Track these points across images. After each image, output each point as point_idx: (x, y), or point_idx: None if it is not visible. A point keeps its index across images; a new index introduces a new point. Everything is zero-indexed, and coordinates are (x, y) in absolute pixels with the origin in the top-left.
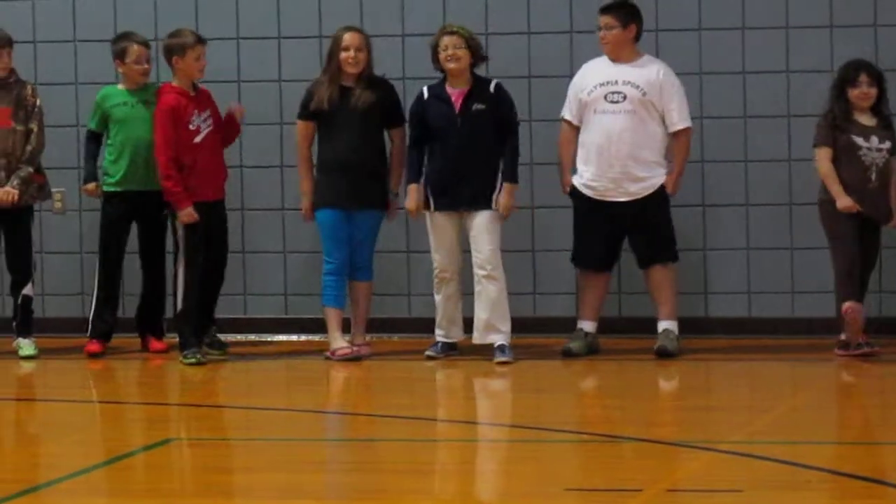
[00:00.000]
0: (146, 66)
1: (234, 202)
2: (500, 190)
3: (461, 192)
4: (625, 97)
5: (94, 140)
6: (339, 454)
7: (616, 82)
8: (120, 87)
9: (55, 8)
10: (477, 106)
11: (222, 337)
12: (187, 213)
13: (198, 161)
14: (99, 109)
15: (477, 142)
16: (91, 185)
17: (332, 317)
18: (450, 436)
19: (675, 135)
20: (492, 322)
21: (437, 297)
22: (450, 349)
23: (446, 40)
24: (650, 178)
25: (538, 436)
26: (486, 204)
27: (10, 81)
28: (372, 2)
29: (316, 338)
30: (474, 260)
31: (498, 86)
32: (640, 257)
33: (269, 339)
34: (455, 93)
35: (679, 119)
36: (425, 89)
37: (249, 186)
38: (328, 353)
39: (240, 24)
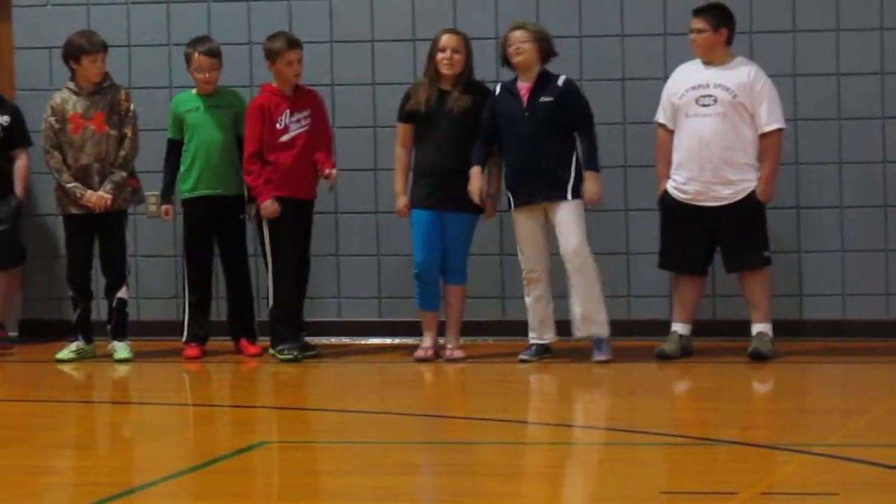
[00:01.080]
0: (207, 75)
1: (328, 205)
2: (573, 181)
3: (535, 185)
4: (715, 100)
5: (174, 149)
6: (432, 457)
7: (707, 85)
8: (193, 92)
9: (150, 13)
10: (544, 99)
11: (315, 340)
12: (267, 206)
13: (282, 159)
14: (173, 116)
15: (545, 135)
16: (165, 208)
17: (424, 319)
18: (544, 439)
19: (765, 137)
20: (587, 314)
21: (528, 299)
22: (544, 351)
23: (513, 35)
24: (742, 181)
25: (632, 439)
26: (562, 195)
27: (105, 86)
28: (466, 4)
29: (409, 340)
30: (562, 254)
31: (567, 80)
32: (728, 262)
33: (362, 342)
34: (524, 87)
35: (768, 121)
36: (498, 86)
37: (343, 189)
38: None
39: (333, 27)
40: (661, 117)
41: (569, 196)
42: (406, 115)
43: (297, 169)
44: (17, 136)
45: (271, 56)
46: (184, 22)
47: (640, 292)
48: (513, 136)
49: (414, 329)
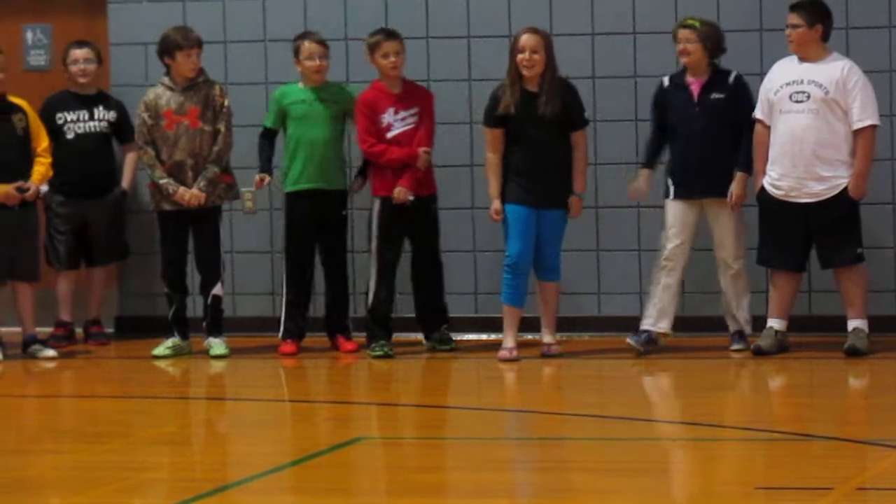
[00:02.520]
0: (319, 63)
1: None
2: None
3: (698, 180)
4: (809, 96)
5: (268, 138)
6: (528, 453)
7: (801, 81)
8: (300, 85)
9: (246, 8)
10: (715, 96)
11: (414, 336)
12: (399, 192)
13: (389, 157)
14: (276, 106)
15: (714, 131)
16: (261, 176)
17: (507, 315)
18: (638, 434)
19: (857, 133)
20: (741, 316)
21: (655, 287)
22: (651, 342)
23: (680, 33)
24: (834, 177)
25: (728, 434)
26: (722, 192)
27: (199, 82)
28: (562, 1)
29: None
30: (718, 253)
31: (737, 77)
32: (823, 258)
33: (460, 338)
34: (694, 82)
35: (861, 117)
36: (665, 79)
37: (440, 185)
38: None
39: (430, 23)
40: (758, 113)
41: (727, 195)
42: (495, 120)
43: (402, 168)
44: (125, 131)
45: (370, 49)
46: (280, 17)
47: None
48: (682, 131)
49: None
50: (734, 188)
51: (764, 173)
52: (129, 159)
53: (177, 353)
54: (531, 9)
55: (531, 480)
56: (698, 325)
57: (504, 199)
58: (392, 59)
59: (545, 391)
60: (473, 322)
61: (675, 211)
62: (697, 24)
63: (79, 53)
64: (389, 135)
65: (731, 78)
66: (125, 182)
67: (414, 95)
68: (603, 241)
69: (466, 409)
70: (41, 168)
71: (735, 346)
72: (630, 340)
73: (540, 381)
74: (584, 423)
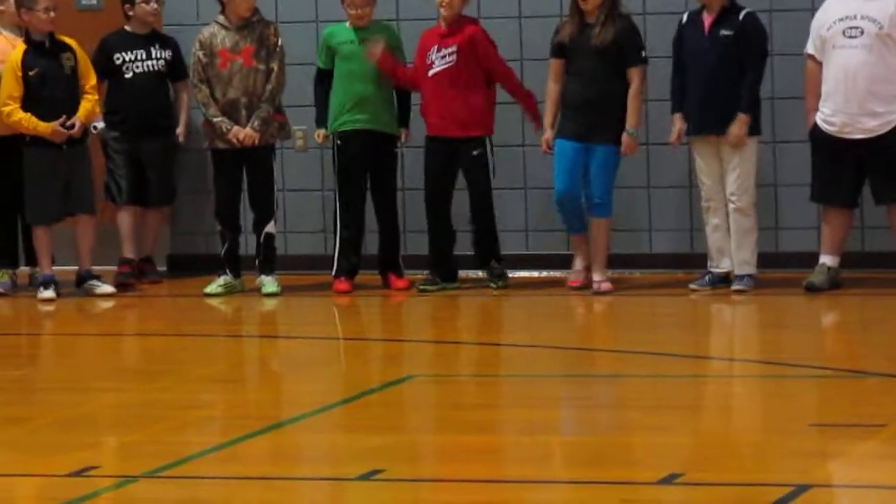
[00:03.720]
0: (359, 11)
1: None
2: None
3: (707, 117)
4: (862, 32)
5: (323, 79)
6: (579, 391)
7: (854, 17)
8: (347, 24)
9: None
10: (724, 32)
11: (463, 273)
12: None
13: (430, 95)
14: (325, 46)
15: (722, 67)
16: (319, 131)
17: (573, 243)
18: (691, 371)
19: None
20: (738, 256)
21: (707, 228)
22: (718, 281)
23: None
24: (888, 113)
25: (781, 371)
26: (727, 130)
27: (254, 21)
28: None
29: (557, 274)
30: (726, 190)
31: (748, 14)
32: (876, 194)
33: (512, 275)
34: (707, 19)
35: None
36: (685, 15)
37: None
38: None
39: None
40: (810, 48)
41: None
42: (555, 49)
43: (446, 106)
44: (179, 69)
45: None
46: None
47: (789, 224)
48: (692, 66)
49: (564, 262)
50: (732, 128)
51: (816, 109)
52: (183, 99)
53: (229, 291)
54: None
55: (581, 418)
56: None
57: (555, 134)
58: None
59: (597, 328)
60: (525, 259)
61: (696, 149)
62: None
63: None
64: (430, 72)
65: (742, 14)
66: (180, 125)
67: (457, 32)
68: (654, 177)
69: (517, 347)
70: (87, 104)
71: (737, 286)
72: (694, 285)
73: (592, 319)
74: (637, 360)
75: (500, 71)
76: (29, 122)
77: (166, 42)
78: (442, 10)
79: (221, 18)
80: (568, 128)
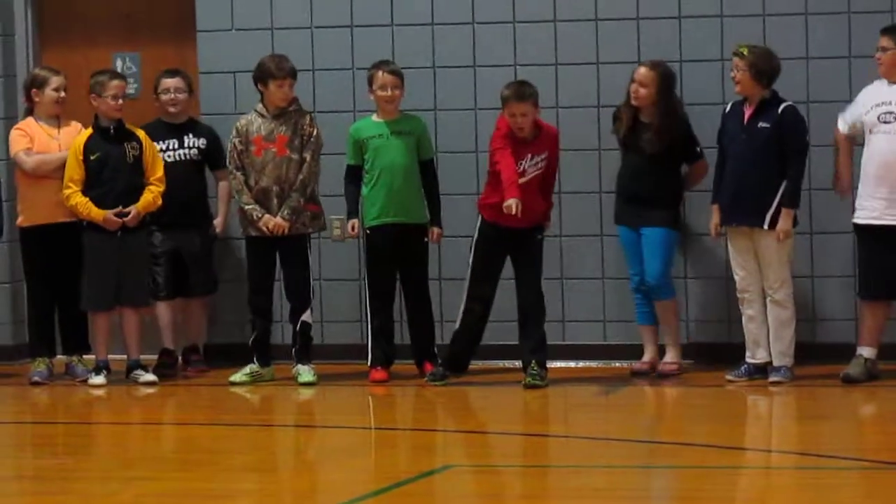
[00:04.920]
0: (390, 93)
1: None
2: (773, 211)
3: (740, 208)
4: None
5: (352, 176)
6: (617, 481)
7: (890, 103)
8: (374, 118)
9: (334, 37)
10: (762, 124)
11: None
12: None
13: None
14: (353, 141)
15: (757, 160)
16: (352, 222)
17: (641, 334)
18: (728, 462)
19: None
20: (775, 348)
21: (743, 319)
22: (755, 371)
23: (733, 61)
24: None
25: (818, 463)
26: (760, 223)
27: (290, 110)
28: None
29: (593, 364)
30: (763, 284)
31: (787, 107)
32: None
33: (551, 365)
34: (748, 110)
35: None
36: (729, 105)
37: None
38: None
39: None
40: (842, 128)
41: (766, 225)
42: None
43: (527, 208)
44: (216, 158)
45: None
46: (367, 46)
47: (826, 315)
48: (730, 157)
49: (602, 352)
50: (780, 224)
51: (847, 177)
52: (222, 188)
53: (255, 381)
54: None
55: None
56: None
57: (615, 219)
58: (519, 119)
59: (632, 419)
60: (564, 350)
61: (731, 241)
62: (745, 52)
63: (170, 82)
64: (522, 181)
65: (781, 108)
66: (219, 215)
67: (544, 140)
68: (691, 268)
69: (555, 437)
70: (149, 196)
71: (773, 377)
72: (730, 376)
73: (637, 409)
74: (674, 451)
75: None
76: (85, 206)
77: (201, 130)
78: (518, 132)
79: (259, 107)
80: (623, 214)
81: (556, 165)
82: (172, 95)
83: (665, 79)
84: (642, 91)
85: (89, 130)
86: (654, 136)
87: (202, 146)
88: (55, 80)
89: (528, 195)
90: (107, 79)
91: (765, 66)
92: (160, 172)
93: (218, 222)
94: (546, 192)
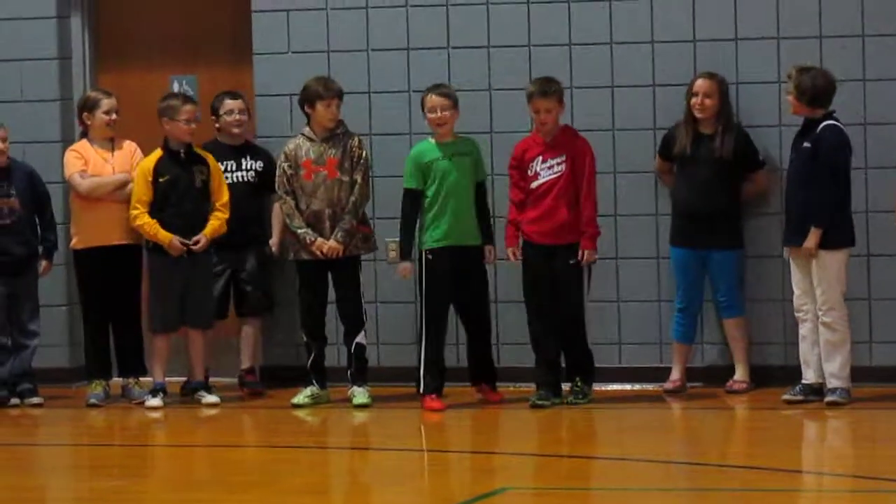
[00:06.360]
0: (439, 114)
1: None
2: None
3: (791, 227)
4: None
5: (415, 199)
6: (678, 503)
7: None
8: (431, 140)
9: (390, 60)
10: (805, 144)
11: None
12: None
13: (531, 204)
14: (413, 165)
15: (800, 179)
16: (405, 266)
17: (674, 351)
18: (782, 485)
19: None
20: (826, 369)
21: (799, 337)
22: (810, 392)
23: (787, 83)
24: None
25: (875, 486)
26: (801, 244)
27: (338, 133)
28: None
29: (649, 387)
30: (817, 303)
31: (826, 126)
32: None
33: (603, 388)
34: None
35: None
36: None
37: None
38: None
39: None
40: None
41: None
42: (669, 154)
43: (550, 216)
44: (272, 181)
45: (527, 98)
46: (423, 68)
47: (883, 338)
48: (787, 176)
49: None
50: (806, 241)
51: None
52: (277, 210)
53: (315, 402)
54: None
55: None
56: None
57: (671, 239)
58: (543, 116)
59: (687, 441)
60: (619, 372)
61: (791, 259)
62: (792, 73)
63: (233, 104)
64: (534, 184)
65: (821, 127)
66: (274, 235)
67: (564, 143)
68: (750, 289)
69: (611, 459)
70: (215, 222)
71: (829, 399)
72: (786, 396)
73: (682, 431)
74: (728, 474)
75: (588, 188)
76: (152, 228)
77: (257, 153)
78: (542, 126)
79: (307, 130)
80: (685, 236)
81: (585, 177)
82: (237, 116)
83: (724, 86)
84: (708, 101)
85: (159, 152)
86: (720, 143)
87: (259, 168)
88: (106, 103)
89: (546, 201)
90: (179, 103)
91: (809, 87)
92: (226, 198)
93: (273, 243)
94: (575, 204)
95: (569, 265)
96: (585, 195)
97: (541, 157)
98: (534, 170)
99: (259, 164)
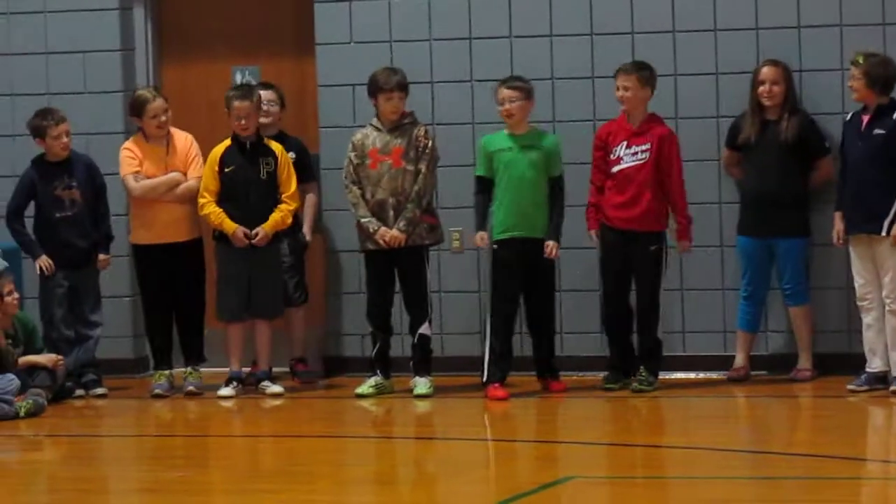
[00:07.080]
0: (508, 106)
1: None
2: (891, 217)
3: (858, 216)
4: None
5: (483, 188)
6: (739, 492)
7: None
8: (505, 131)
9: (453, 49)
10: (877, 130)
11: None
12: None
13: (615, 189)
14: (483, 154)
15: (872, 167)
16: (480, 234)
17: (739, 337)
18: (846, 473)
19: None
20: (893, 357)
21: (863, 326)
22: (875, 380)
23: (851, 70)
24: None
25: None
26: (876, 229)
27: (405, 123)
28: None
29: (713, 375)
30: (882, 290)
31: None
32: None
33: (670, 377)
34: (865, 117)
35: None
36: (849, 114)
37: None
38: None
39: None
40: None
41: (883, 232)
42: (735, 144)
43: (632, 201)
44: (305, 170)
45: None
46: (486, 58)
47: None
48: (849, 165)
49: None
50: (894, 230)
51: None
52: (308, 200)
53: (379, 392)
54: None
55: None
56: None
57: (738, 229)
58: (625, 93)
59: (752, 429)
60: (683, 360)
61: (852, 249)
62: (860, 60)
63: (263, 95)
64: (615, 168)
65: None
66: (305, 224)
67: (648, 130)
68: (815, 277)
69: (675, 448)
70: (277, 215)
71: (854, 384)
72: (851, 385)
73: (747, 419)
74: (793, 462)
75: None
76: (217, 216)
77: (291, 143)
78: (625, 104)
79: (375, 120)
80: (752, 225)
81: (674, 167)
82: (266, 108)
83: (789, 73)
84: (776, 88)
85: (227, 142)
86: (785, 126)
87: (292, 158)
88: (151, 108)
89: (631, 188)
90: (235, 99)
91: (879, 74)
92: (293, 189)
93: (305, 231)
94: (658, 192)
95: (649, 252)
96: (676, 185)
97: (626, 143)
98: (617, 154)
99: (291, 155)
